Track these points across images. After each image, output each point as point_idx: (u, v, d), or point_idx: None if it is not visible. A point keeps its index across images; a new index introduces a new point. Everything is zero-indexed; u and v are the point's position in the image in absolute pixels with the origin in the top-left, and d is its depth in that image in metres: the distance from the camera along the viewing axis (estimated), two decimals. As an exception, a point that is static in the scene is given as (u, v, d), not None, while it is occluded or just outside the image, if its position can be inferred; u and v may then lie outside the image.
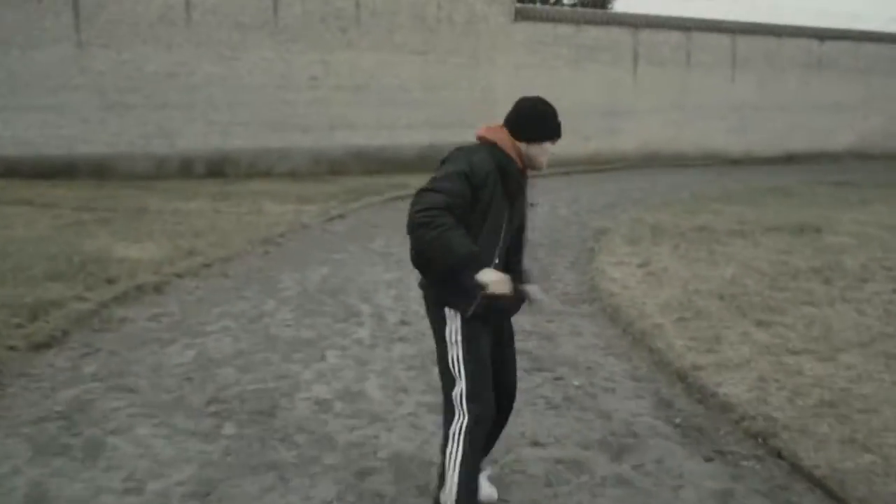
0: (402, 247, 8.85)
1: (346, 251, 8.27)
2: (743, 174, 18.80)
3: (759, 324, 5.26)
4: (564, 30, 19.43)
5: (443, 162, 2.69)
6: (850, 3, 30.63)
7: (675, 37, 21.06)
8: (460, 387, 2.65)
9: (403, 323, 5.47)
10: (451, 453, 2.65)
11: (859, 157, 23.88)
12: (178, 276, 6.53)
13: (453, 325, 2.66)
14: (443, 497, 2.69)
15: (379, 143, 17.55)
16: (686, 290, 6.27)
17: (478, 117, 18.93)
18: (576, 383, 4.38)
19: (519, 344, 5.11)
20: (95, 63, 14.95)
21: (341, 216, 10.64)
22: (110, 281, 5.94)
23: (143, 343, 4.79)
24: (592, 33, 19.79)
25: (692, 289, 6.29)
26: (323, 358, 4.66)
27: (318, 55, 16.79)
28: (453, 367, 2.67)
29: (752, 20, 22.41)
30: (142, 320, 5.29)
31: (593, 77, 19.78)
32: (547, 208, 11.66)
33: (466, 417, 2.64)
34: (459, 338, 2.65)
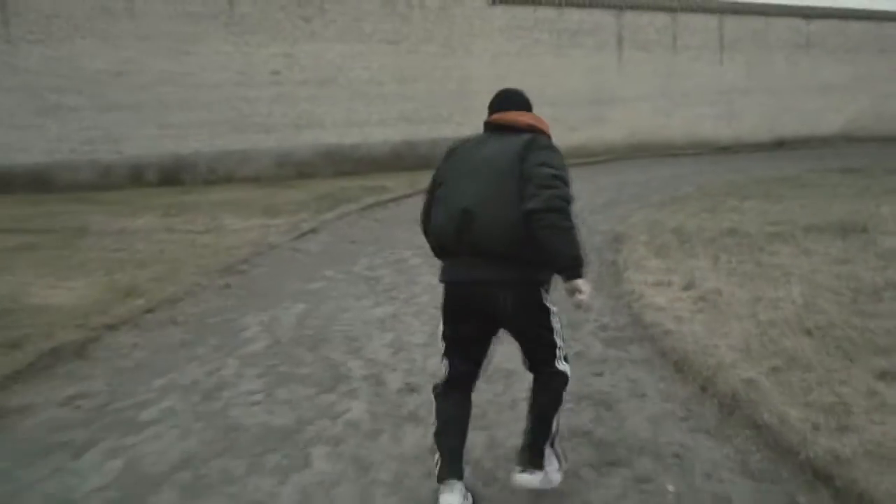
0: (389, 269, 7.48)
1: (323, 278, 6.87)
2: (739, 162, 17.73)
3: (882, 376, 3.98)
4: (545, 13, 18.12)
5: (530, 145, 2.63)
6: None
7: (661, 18, 19.90)
8: (563, 352, 2.85)
9: (410, 389, 4.11)
10: (557, 415, 2.86)
11: (849, 140, 23.03)
12: (111, 327, 5.06)
13: (550, 302, 2.76)
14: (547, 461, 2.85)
15: (349, 141, 16.12)
16: (758, 321, 4.99)
17: (454, 110, 17.75)
18: (671, 489, 3.06)
19: (570, 417, 3.88)
20: (28, 61, 13.26)
21: (314, 231, 9.20)
22: (15, 345, 4.44)
23: (47, 452, 3.34)
24: (575, 16, 18.52)
25: (765, 319, 5.01)
26: (307, 463, 3.27)
27: (279, 47, 15.26)
28: (557, 336, 2.82)
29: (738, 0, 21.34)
30: (51, 407, 3.82)
31: (577, 63, 18.54)
32: (546, 211, 10.31)
33: (568, 374, 2.87)
34: (556, 309, 2.79)
